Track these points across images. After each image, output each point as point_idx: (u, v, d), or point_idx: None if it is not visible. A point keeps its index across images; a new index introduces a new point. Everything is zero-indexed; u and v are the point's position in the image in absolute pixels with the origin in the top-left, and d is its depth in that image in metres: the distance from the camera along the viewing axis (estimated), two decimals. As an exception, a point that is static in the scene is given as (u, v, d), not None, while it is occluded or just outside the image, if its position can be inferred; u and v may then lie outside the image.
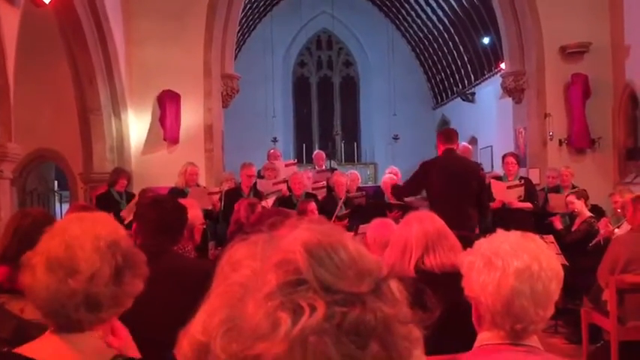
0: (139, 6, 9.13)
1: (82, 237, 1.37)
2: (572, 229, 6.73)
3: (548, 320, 1.59)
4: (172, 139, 9.03)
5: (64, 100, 8.94)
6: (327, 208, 6.96)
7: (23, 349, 1.35)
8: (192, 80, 9.09)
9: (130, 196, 7.44)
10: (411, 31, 16.99)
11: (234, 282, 0.58)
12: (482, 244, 1.61)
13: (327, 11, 17.05)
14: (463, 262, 1.62)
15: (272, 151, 9.56)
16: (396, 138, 17.02)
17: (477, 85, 13.89)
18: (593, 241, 6.27)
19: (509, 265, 1.51)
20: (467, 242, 2.69)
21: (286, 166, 8.44)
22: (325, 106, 18.54)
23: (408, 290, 0.60)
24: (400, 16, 17.05)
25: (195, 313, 0.59)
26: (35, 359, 1.31)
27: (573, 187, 7.55)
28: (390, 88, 17.06)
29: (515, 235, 1.60)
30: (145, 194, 6.70)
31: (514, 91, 9.77)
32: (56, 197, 11.39)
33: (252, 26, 16.62)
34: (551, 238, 5.57)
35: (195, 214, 3.06)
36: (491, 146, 12.74)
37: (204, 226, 3.93)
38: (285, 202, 7.03)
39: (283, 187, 7.45)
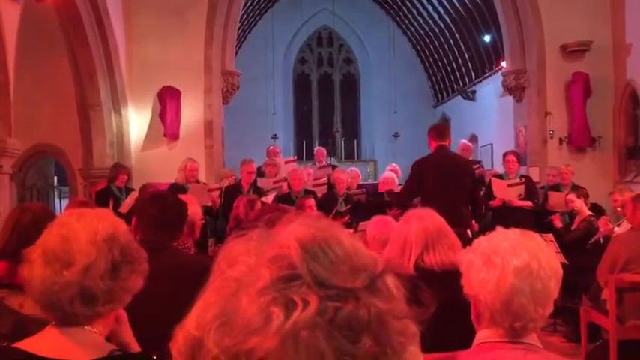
0: (139, 2, 9.12)
1: (80, 230, 1.38)
2: (572, 228, 6.73)
3: (547, 318, 1.59)
4: (172, 136, 9.03)
5: (64, 96, 8.94)
6: (327, 205, 6.97)
7: (22, 344, 1.35)
8: (193, 76, 9.09)
9: (130, 192, 7.45)
10: (412, 29, 16.98)
11: (229, 277, 0.58)
12: (482, 242, 1.61)
13: (328, 8, 17.04)
14: (462, 260, 1.62)
15: (271, 147, 9.57)
16: (396, 136, 17.02)
17: (478, 83, 13.88)
18: (593, 239, 6.28)
19: (509, 263, 1.51)
20: (460, 239, 2.70)
21: (286, 163, 8.46)
22: (326, 103, 18.54)
23: (405, 286, 0.60)
24: (401, 14, 17.04)
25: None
26: (34, 353, 1.32)
27: (573, 185, 7.56)
28: (390, 86, 17.06)
29: (514, 233, 1.60)
30: (145, 190, 6.71)
31: (515, 89, 9.76)
32: (56, 193, 11.39)
33: (253, 23, 16.61)
34: (550, 236, 5.57)
35: (194, 210, 3.07)
36: (492, 144, 12.74)
37: (203, 222, 3.93)
38: (284, 198, 7.04)
39: (284, 185, 7.46)
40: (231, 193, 6.93)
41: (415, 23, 16.51)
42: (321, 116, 18.52)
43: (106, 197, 7.02)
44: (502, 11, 9.78)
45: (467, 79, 14.64)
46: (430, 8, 14.97)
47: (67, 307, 1.34)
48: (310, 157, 13.50)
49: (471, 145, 9.43)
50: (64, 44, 8.33)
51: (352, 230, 5.15)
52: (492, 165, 11.42)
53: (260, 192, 7.00)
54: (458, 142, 9.07)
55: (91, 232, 1.38)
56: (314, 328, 0.53)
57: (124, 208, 6.73)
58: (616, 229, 6.17)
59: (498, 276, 1.51)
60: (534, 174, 8.61)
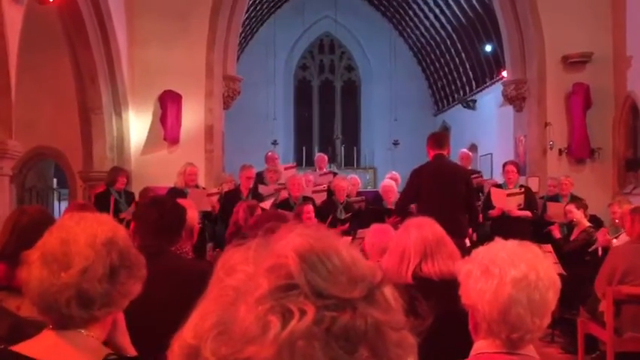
0: (142, 6, 9.15)
1: (79, 233, 1.38)
2: (571, 239, 6.73)
3: (545, 329, 1.58)
4: (173, 140, 9.03)
5: (65, 98, 8.95)
6: (326, 211, 6.97)
7: (19, 347, 1.35)
8: (194, 81, 9.10)
9: (129, 195, 7.44)
10: (414, 38, 17.03)
11: (227, 286, 0.58)
12: (480, 252, 1.61)
13: (330, 15, 17.08)
14: (461, 270, 1.62)
15: (270, 153, 9.55)
16: (396, 143, 17.02)
17: (478, 92, 13.91)
18: (591, 248, 6.27)
19: (507, 273, 1.51)
20: (459, 249, 2.70)
21: (286, 169, 8.47)
22: (326, 109, 18.55)
23: (402, 297, 0.60)
24: (403, 22, 17.09)
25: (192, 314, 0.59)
26: (30, 357, 1.32)
27: (572, 196, 7.56)
28: (391, 94, 17.10)
29: (512, 244, 1.59)
30: (146, 194, 6.71)
31: (515, 99, 9.78)
32: (55, 195, 11.38)
33: (255, 29, 16.65)
34: (548, 247, 5.57)
35: (192, 214, 3.06)
36: (492, 154, 12.75)
37: (201, 226, 3.93)
38: (283, 204, 7.04)
39: (283, 191, 7.47)
40: (230, 198, 6.94)
41: (417, 32, 16.55)
42: (321, 123, 18.54)
43: (105, 200, 7.01)
44: (503, 21, 9.81)
45: (467, 88, 14.67)
46: (432, 17, 15.02)
47: (64, 309, 1.34)
48: (310, 163, 13.50)
49: (470, 154, 9.44)
50: (65, 45, 8.34)
51: (350, 238, 5.16)
52: (492, 174, 11.43)
53: (259, 197, 7.00)
54: (458, 151, 9.09)
55: (90, 236, 1.38)
56: (310, 338, 0.52)
57: (128, 214, 6.70)
58: (614, 240, 6.17)
59: (496, 286, 1.51)
60: (533, 184, 8.61)
